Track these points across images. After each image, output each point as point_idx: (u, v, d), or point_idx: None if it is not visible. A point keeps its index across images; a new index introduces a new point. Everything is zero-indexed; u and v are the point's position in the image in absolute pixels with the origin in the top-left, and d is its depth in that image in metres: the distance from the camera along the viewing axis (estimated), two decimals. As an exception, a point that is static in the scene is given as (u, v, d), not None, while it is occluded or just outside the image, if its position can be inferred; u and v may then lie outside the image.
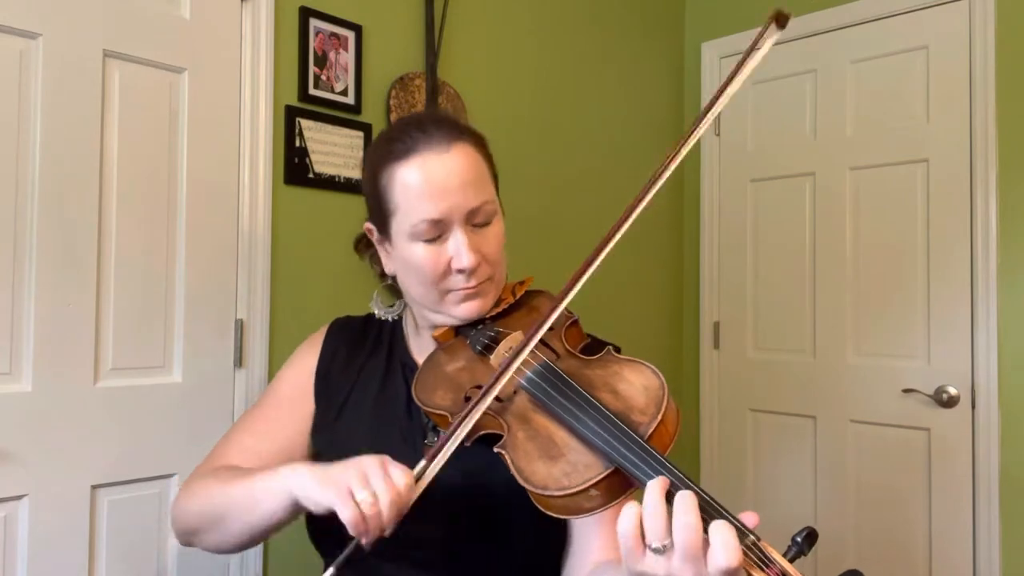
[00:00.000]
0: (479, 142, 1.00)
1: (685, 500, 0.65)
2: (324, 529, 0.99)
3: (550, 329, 0.89)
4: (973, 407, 2.29)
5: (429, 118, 0.98)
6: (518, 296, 1.01)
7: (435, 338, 1.00)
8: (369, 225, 1.04)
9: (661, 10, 2.90)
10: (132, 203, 1.57)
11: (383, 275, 1.07)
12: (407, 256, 0.96)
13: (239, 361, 1.72)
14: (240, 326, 1.72)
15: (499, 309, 0.99)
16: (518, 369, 0.84)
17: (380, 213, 0.98)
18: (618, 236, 0.83)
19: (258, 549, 1.72)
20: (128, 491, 1.55)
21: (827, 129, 2.60)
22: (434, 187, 0.92)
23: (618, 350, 0.97)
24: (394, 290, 1.10)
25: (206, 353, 1.67)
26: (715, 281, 2.88)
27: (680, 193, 2.98)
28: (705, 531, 0.64)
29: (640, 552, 0.66)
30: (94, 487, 1.51)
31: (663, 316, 2.91)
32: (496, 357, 0.91)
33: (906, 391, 2.39)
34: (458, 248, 0.93)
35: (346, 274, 1.90)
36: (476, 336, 0.96)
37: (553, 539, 0.97)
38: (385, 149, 0.97)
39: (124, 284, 1.55)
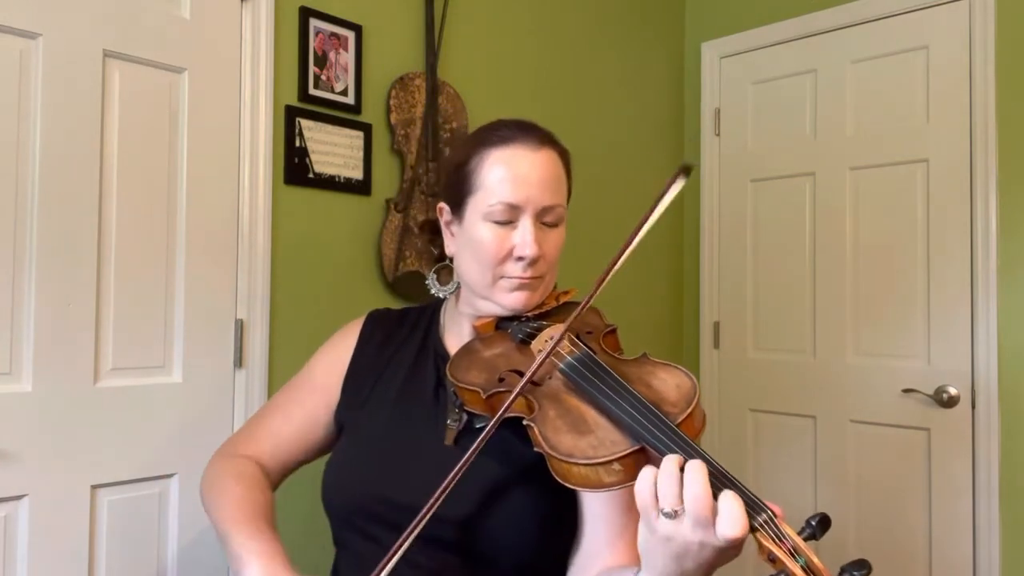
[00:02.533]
0: (565, 157, 1.08)
1: (694, 470, 0.68)
2: (349, 526, 1.02)
3: (589, 333, 0.97)
4: (973, 407, 2.29)
5: (531, 123, 1.06)
6: (560, 302, 1.06)
7: (476, 328, 1.04)
8: (443, 205, 1.09)
9: (661, 10, 2.90)
10: (132, 203, 1.57)
11: (441, 258, 1.13)
12: (474, 235, 1.01)
13: (239, 361, 1.72)
14: (240, 326, 1.72)
15: (541, 310, 1.04)
16: (557, 355, 0.88)
17: (460, 192, 1.04)
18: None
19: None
20: (128, 491, 1.55)
21: (827, 129, 2.60)
22: (519, 175, 1.00)
23: None
24: (449, 273, 1.14)
25: (206, 353, 1.67)
26: (715, 281, 2.88)
27: (680, 193, 2.98)
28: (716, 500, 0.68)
29: (654, 514, 0.70)
30: (94, 487, 1.51)
31: (663, 316, 2.91)
32: (538, 342, 0.96)
33: (906, 391, 2.39)
34: (524, 236, 0.99)
35: (346, 274, 1.90)
36: (517, 328, 1.00)
37: (566, 529, 0.97)
38: (486, 135, 1.05)
39: (124, 284, 1.55)
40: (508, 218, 1.00)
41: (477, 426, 0.98)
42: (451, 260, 1.09)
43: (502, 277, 1.01)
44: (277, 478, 1.16)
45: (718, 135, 2.88)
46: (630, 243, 0.87)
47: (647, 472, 0.71)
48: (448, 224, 1.08)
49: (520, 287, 1.01)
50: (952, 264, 2.33)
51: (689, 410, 0.77)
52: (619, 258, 0.86)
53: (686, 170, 0.92)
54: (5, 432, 1.39)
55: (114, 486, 1.53)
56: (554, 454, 0.77)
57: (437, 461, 0.95)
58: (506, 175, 1.00)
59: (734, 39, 2.82)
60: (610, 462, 0.74)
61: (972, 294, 2.29)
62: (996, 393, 2.25)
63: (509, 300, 1.01)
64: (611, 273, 0.86)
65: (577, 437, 0.78)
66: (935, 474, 2.34)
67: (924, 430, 2.37)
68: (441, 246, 1.11)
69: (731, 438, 2.82)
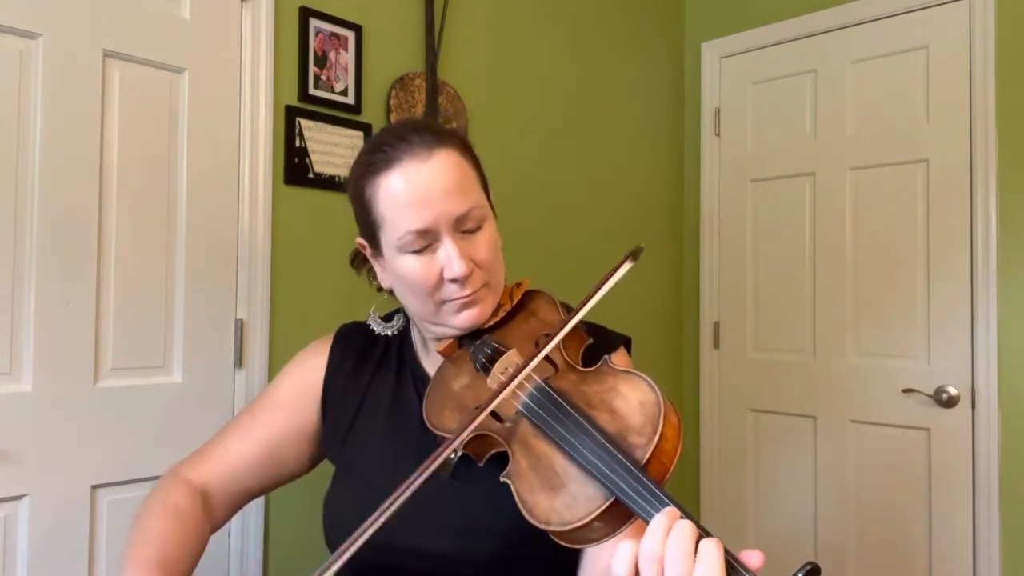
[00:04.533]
0: (463, 146, 0.97)
1: (683, 529, 0.65)
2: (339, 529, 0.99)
3: (547, 335, 0.88)
4: (973, 407, 2.29)
5: (409, 126, 0.96)
6: (516, 300, 1.00)
7: (440, 353, 0.98)
8: (361, 241, 1.02)
9: (661, 10, 2.90)
10: (132, 203, 1.57)
11: (380, 290, 1.05)
12: (399, 269, 0.94)
13: (239, 361, 1.72)
14: (240, 326, 1.72)
15: (498, 317, 0.98)
16: (519, 386, 0.83)
17: (368, 227, 0.97)
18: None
19: (258, 544, 1.72)
20: (128, 491, 1.55)
21: (827, 129, 2.60)
22: (418, 196, 0.90)
23: (628, 342, 0.99)
24: (392, 304, 1.09)
25: (206, 353, 1.67)
26: (715, 281, 2.88)
27: (680, 193, 2.98)
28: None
29: None
30: (94, 487, 1.51)
31: (663, 316, 2.91)
32: (492, 379, 0.90)
33: (906, 391, 2.39)
34: (448, 257, 0.91)
35: (346, 274, 1.90)
36: (476, 353, 0.95)
37: (568, 554, 0.94)
38: (367, 161, 0.95)
39: (124, 284, 1.55)
40: (424, 244, 0.91)
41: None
42: (390, 293, 1.03)
43: (443, 302, 0.94)
44: (226, 506, 1.07)
45: (718, 135, 2.88)
46: (578, 311, 0.85)
47: (627, 549, 0.66)
48: (374, 258, 1.01)
49: (466, 306, 0.94)
50: (952, 264, 2.33)
51: (656, 437, 0.73)
52: (562, 328, 0.85)
53: (635, 254, 0.89)
54: (5, 432, 1.39)
55: (114, 486, 1.53)
56: (534, 523, 0.75)
57: (439, 497, 0.91)
58: (404, 200, 0.90)
59: (734, 39, 2.82)
60: (589, 523, 0.72)
61: (972, 294, 2.29)
62: (996, 393, 2.25)
63: (460, 321, 0.95)
64: (548, 346, 0.84)
65: (552, 496, 0.75)
66: (935, 474, 2.34)
67: (924, 430, 2.37)
68: (376, 278, 1.04)
69: (731, 438, 2.82)
